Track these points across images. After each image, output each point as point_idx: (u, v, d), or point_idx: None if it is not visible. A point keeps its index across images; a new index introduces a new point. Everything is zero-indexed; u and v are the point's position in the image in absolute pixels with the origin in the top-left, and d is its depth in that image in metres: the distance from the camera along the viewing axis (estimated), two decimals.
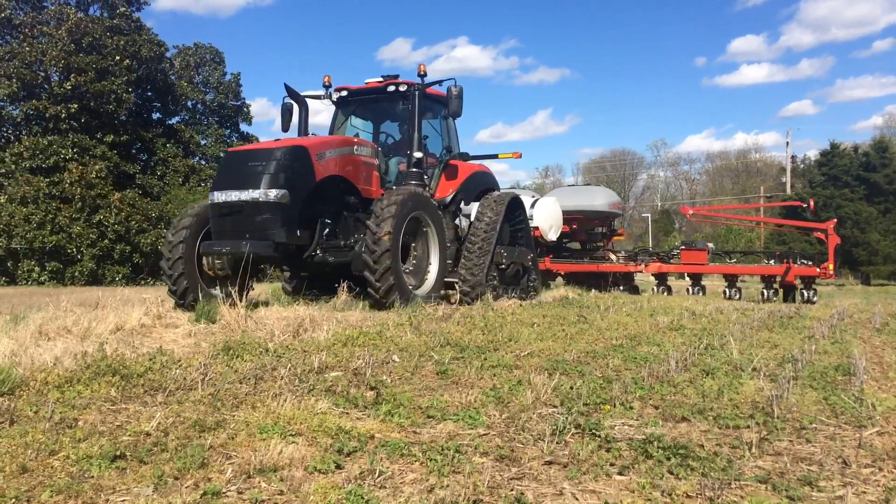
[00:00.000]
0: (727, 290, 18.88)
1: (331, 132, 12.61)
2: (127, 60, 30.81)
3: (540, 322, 8.60)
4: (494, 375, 5.41)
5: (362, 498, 2.82)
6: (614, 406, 4.45)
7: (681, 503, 2.90)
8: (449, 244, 11.47)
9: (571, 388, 4.91)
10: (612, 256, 21.31)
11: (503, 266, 12.33)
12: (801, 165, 62.63)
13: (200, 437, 3.60)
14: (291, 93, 11.85)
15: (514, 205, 13.01)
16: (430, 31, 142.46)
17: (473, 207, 12.43)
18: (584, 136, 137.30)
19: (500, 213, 12.05)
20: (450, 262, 11.56)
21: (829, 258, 19.09)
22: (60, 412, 3.99)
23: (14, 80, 29.68)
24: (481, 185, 13.07)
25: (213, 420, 3.87)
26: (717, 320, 9.80)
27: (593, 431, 3.84)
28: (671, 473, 3.25)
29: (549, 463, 3.38)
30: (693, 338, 7.80)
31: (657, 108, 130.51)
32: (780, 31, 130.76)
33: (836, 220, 22.69)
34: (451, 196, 12.24)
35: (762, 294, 18.63)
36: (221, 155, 37.25)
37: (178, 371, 5.14)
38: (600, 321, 8.99)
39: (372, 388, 4.84)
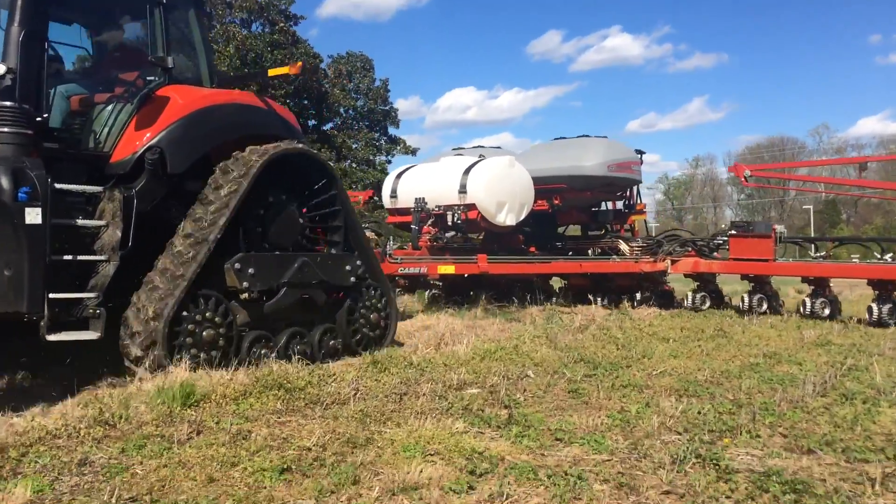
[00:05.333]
0: (808, 302, 11.65)
1: None
2: None
3: (676, 336, 8.66)
4: (623, 396, 5.64)
5: None
6: (739, 434, 4.57)
7: None
8: (107, 257, 6.16)
9: (699, 412, 5.06)
10: (623, 247, 14.17)
11: (249, 294, 6.83)
12: None
13: (353, 453, 4.12)
14: None
15: (295, 168, 7.31)
16: (582, 22, 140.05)
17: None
18: (741, 123, 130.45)
19: (242, 186, 6.64)
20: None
21: None
22: (237, 424, 4.65)
23: None
24: (227, 132, 7.19)
25: (363, 437, 4.40)
26: (871, 335, 9.38)
27: (714, 461, 4.01)
28: None
29: (667, 493, 3.62)
30: (839, 356, 7.59)
31: (823, 92, 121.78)
32: None
33: None
34: (138, 154, 6.59)
35: (869, 311, 10.92)
36: (371, 158, 39.11)
37: (333, 385, 5.75)
38: (741, 334, 8.90)
39: (506, 407, 5.21)
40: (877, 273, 11.15)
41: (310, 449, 4.16)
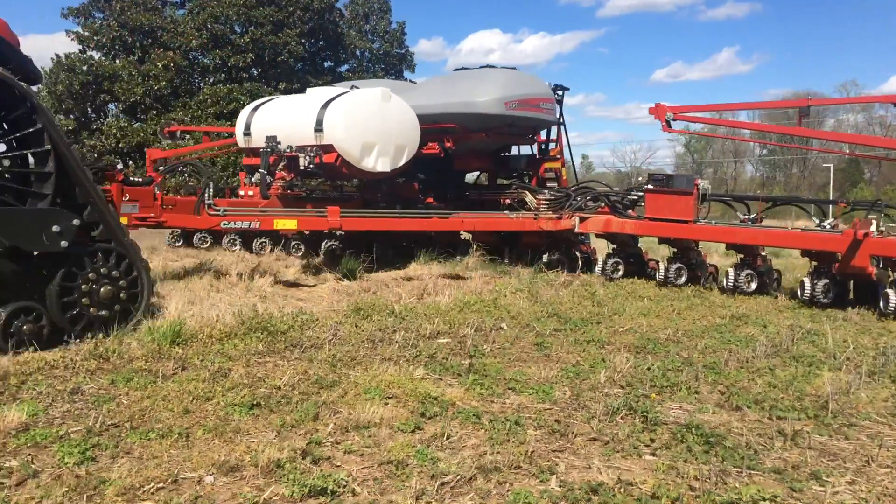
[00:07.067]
0: (733, 273, 9.66)
1: None
2: (300, 12, 32.92)
3: (654, 295, 8.98)
4: (583, 351, 6.02)
5: (427, 457, 3.62)
6: (678, 390, 4.95)
7: (688, 485, 3.45)
8: None
9: (647, 369, 5.44)
10: (529, 199, 11.91)
11: None
12: None
13: (318, 393, 4.55)
14: None
15: None
16: None
17: None
18: (770, 76, 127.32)
19: None
20: None
21: None
22: (219, 363, 5.09)
23: (204, 32, 32.64)
24: None
25: (331, 379, 4.83)
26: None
27: (644, 414, 4.40)
28: (695, 458, 3.78)
29: (593, 439, 4.02)
30: (805, 319, 7.91)
31: (855, 47, 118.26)
32: None
33: None
34: None
35: (802, 286, 9.03)
36: None
37: (314, 330, 6.19)
38: (717, 295, 9.21)
39: (469, 357, 5.62)
40: (814, 242, 9.20)
41: (280, 388, 4.60)
